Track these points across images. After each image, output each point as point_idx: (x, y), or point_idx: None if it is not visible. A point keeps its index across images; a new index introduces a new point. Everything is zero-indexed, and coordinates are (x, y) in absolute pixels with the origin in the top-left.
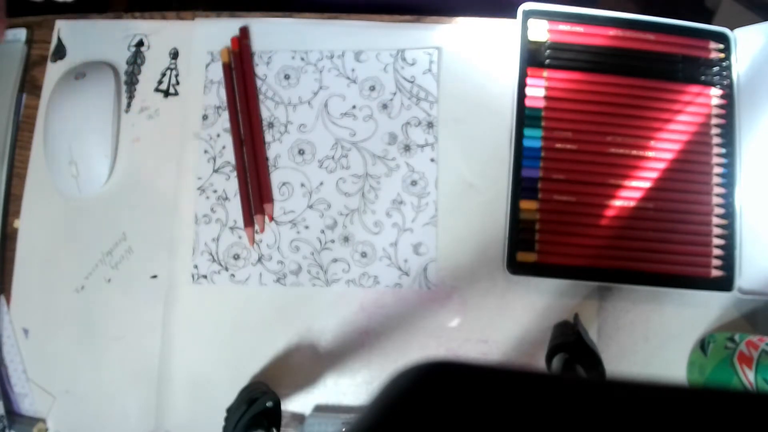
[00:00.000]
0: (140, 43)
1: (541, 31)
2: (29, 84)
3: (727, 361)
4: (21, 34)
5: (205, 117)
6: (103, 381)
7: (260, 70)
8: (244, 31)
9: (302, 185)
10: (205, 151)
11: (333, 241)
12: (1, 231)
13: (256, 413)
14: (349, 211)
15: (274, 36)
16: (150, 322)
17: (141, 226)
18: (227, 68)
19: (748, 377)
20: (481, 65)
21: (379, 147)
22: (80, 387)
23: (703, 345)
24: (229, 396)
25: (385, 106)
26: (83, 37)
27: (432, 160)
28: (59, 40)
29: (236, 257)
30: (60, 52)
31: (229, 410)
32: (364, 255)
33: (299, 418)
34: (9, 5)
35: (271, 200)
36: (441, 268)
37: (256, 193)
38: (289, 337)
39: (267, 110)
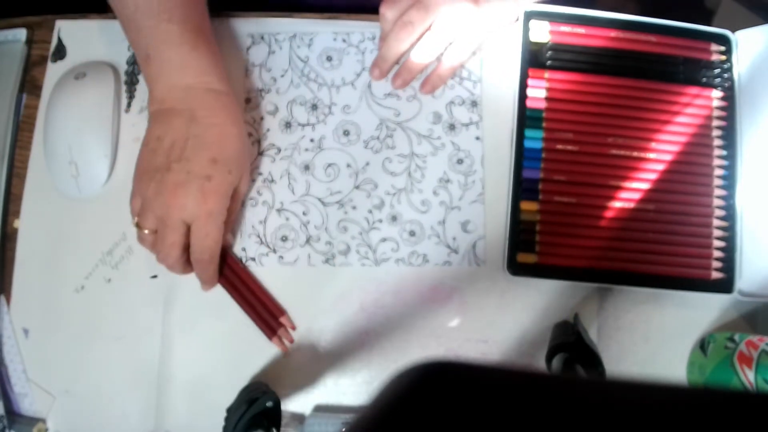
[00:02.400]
0: None
1: (542, 33)
2: (29, 84)
3: (727, 361)
4: (21, 34)
5: (248, 100)
6: (103, 381)
7: (302, 51)
8: None
9: (348, 166)
10: (250, 134)
11: (381, 221)
12: (1, 231)
13: (256, 413)
14: (396, 190)
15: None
16: (150, 322)
17: None
18: None
19: (748, 377)
20: (485, 65)
21: (424, 126)
22: (80, 387)
23: (703, 345)
24: (229, 396)
25: None
26: (83, 37)
27: (477, 138)
28: (59, 40)
29: (284, 239)
30: (60, 52)
31: (229, 410)
32: (412, 234)
33: (299, 418)
34: (9, 5)
35: (283, 312)
36: (490, 244)
37: (266, 314)
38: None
39: (310, 92)
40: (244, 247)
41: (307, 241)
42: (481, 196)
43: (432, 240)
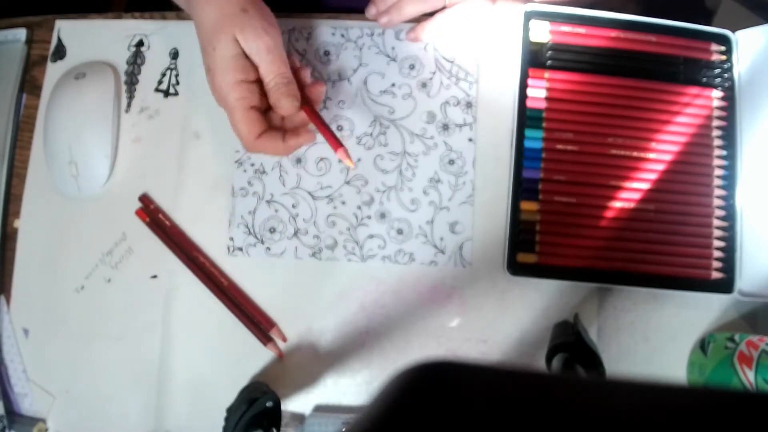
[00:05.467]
0: (140, 43)
1: (542, 32)
2: (29, 84)
3: (727, 361)
4: (21, 34)
5: None
6: (103, 381)
7: (300, 45)
8: (145, 199)
9: (340, 161)
10: None
11: (369, 218)
12: (1, 231)
13: (256, 413)
14: (386, 187)
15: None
16: (150, 322)
17: (141, 226)
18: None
19: (748, 377)
20: (481, 66)
21: (418, 125)
22: (80, 387)
23: (703, 345)
24: (229, 396)
25: (424, 85)
26: (83, 37)
27: (470, 139)
28: (59, 40)
29: (272, 230)
30: (60, 52)
31: (229, 410)
32: (400, 232)
33: (299, 418)
34: (9, 5)
35: (274, 324)
36: (477, 246)
37: (258, 324)
38: (289, 337)
39: None
40: (232, 236)
41: (295, 233)
42: (470, 197)
43: (419, 239)
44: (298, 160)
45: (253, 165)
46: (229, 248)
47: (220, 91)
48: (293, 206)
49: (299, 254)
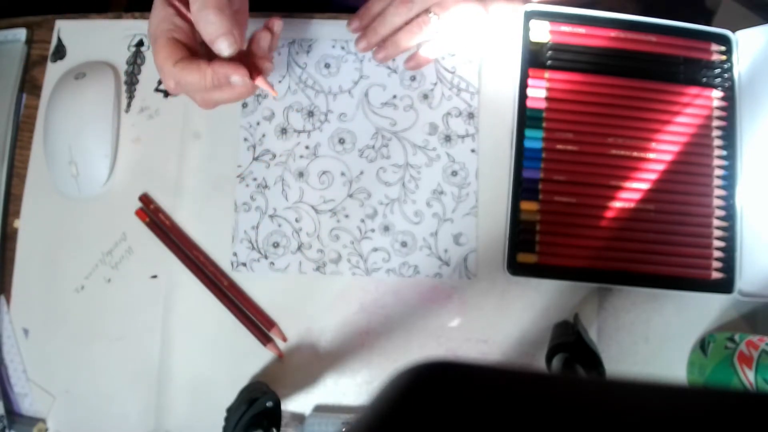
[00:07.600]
0: (140, 43)
1: (542, 32)
2: (29, 84)
3: (727, 361)
4: (21, 34)
5: (244, 105)
6: (103, 381)
7: (300, 58)
8: (145, 198)
9: (342, 174)
10: (245, 139)
11: (373, 231)
12: (1, 231)
13: (256, 413)
14: (389, 200)
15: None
16: (150, 322)
17: (141, 226)
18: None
19: (748, 377)
20: (482, 70)
21: (420, 137)
22: (80, 387)
23: (703, 345)
24: (229, 396)
25: (425, 96)
26: (83, 37)
27: (473, 150)
28: (59, 40)
29: (276, 245)
30: (60, 52)
31: (229, 410)
32: (404, 244)
33: (299, 418)
34: (9, 5)
35: (274, 324)
36: (481, 258)
37: (258, 324)
38: (289, 337)
39: (307, 99)
40: (236, 252)
41: (299, 248)
42: (474, 209)
43: (423, 251)
44: (301, 174)
45: (255, 180)
46: (233, 264)
47: (150, 26)
48: (296, 220)
49: (303, 269)
